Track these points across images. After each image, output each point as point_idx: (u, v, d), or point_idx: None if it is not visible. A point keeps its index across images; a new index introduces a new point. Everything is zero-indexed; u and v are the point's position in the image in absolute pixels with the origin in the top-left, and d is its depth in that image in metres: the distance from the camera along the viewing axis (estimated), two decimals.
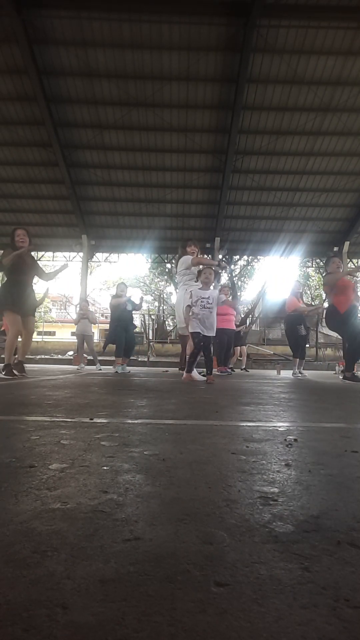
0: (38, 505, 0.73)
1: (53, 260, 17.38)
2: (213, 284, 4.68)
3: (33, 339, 5.79)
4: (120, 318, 6.55)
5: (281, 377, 6.54)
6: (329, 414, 2.13)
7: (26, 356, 4.79)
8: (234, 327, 7.40)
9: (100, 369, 7.30)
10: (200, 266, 5.08)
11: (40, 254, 16.20)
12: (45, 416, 1.75)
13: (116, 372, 6.23)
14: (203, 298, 4.47)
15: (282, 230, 14.15)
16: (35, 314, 5.17)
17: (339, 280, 5.40)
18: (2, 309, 4.69)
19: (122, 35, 9.30)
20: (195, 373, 4.71)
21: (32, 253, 5.39)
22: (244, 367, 9.29)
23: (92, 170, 12.38)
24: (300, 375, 6.58)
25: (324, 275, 5.41)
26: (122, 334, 6.49)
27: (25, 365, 4.91)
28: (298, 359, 6.77)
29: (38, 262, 5.32)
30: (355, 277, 5.38)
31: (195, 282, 5.09)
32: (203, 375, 4.69)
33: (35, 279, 5.10)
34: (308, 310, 6.88)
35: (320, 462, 1.07)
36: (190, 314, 4.54)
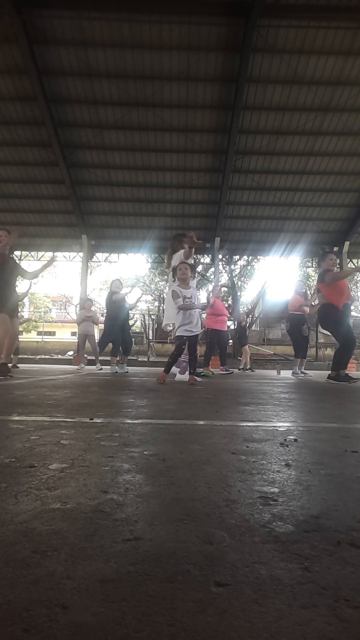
0: (38, 505, 0.73)
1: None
2: (192, 279, 4.50)
3: (32, 339, 5.76)
4: (117, 316, 6.52)
5: (281, 377, 6.53)
6: (329, 414, 2.12)
7: (19, 356, 4.70)
8: (226, 328, 7.24)
9: (100, 369, 7.29)
10: (176, 263, 4.70)
11: (40, 254, 16.21)
12: (45, 416, 1.75)
13: (116, 372, 6.23)
14: (187, 297, 4.33)
15: (282, 230, 14.16)
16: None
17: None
18: None
19: (122, 35, 9.31)
20: (182, 374, 4.61)
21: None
22: (248, 367, 9.28)
23: (92, 170, 12.38)
24: (301, 375, 6.59)
25: (320, 271, 5.25)
26: (118, 333, 6.47)
27: (25, 365, 4.88)
28: (299, 359, 6.81)
29: (19, 262, 5.13)
30: (354, 276, 5.25)
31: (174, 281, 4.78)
32: (203, 375, 4.65)
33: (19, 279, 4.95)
34: (311, 308, 6.80)
35: (320, 462, 1.07)
36: (182, 315, 4.33)
